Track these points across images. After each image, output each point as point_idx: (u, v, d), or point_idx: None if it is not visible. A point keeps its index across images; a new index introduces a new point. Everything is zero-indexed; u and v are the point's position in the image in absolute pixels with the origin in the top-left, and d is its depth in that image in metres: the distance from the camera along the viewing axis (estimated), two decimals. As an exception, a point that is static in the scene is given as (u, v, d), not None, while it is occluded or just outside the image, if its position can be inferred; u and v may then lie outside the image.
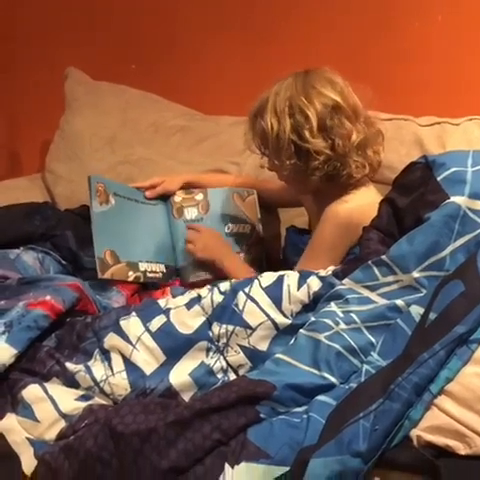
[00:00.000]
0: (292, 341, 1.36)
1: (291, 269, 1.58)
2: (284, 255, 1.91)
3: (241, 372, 1.37)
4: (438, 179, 1.38)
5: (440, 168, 1.40)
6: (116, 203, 1.78)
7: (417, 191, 1.42)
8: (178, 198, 1.86)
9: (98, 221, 1.72)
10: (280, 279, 1.44)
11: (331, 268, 1.47)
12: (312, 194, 1.75)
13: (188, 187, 1.90)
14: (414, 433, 1.09)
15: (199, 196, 1.88)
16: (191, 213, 1.85)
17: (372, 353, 1.27)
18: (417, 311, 1.25)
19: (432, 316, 1.18)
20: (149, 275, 1.75)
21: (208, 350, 1.39)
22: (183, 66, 2.36)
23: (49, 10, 2.46)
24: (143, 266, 1.75)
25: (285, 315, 1.40)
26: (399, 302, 1.30)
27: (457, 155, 1.44)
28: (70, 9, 2.44)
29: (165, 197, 1.88)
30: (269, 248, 1.95)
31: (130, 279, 1.71)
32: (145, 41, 2.40)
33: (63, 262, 1.80)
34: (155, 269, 1.78)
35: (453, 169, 1.38)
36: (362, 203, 1.62)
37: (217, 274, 1.73)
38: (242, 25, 2.28)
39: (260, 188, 1.97)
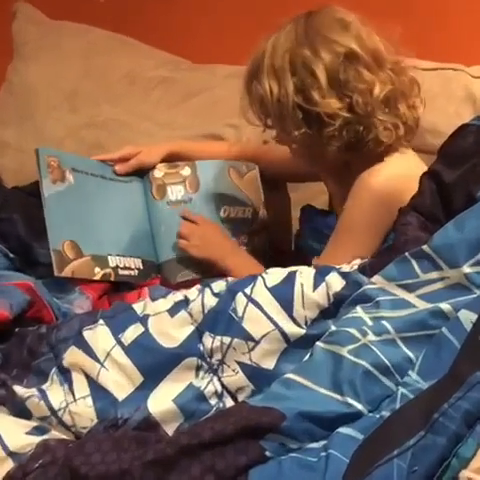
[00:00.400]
0: (307, 357, 1.36)
1: (308, 263, 1.59)
2: (298, 244, 1.92)
3: (241, 397, 1.37)
4: (496, 145, 1.40)
5: None
6: (76, 181, 1.79)
7: (469, 162, 1.43)
8: (159, 173, 1.87)
9: (52, 204, 1.72)
10: (291, 277, 1.44)
11: (357, 261, 1.47)
12: (333, 170, 1.77)
13: (171, 159, 1.91)
14: (464, 475, 1.09)
15: (186, 171, 1.88)
16: (176, 192, 1.86)
17: (410, 372, 1.26)
18: (468, 318, 1.24)
19: (488, 324, 1.18)
20: (121, 272, 1.76)
21: (198, 369, 1.39)
22: (167, 1, 2.36)
23: None
24: (113, 261, 1.76)
25: (297, 323, 1.40)
26: (445, 306, 1.30)
27: None
28: None
29: (142, 172, 1.88)
30: (276, 237, 1.96)
31: (97, 277, 1.72)
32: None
33: (10, 255, 1.80)
34: (129, 265, 1.78)
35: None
36: (400, 172, 1.62)
37: (215, 275, 1.72)
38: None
39: (265, 159, 1.99)
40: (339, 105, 1.60)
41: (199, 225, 1.81)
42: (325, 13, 1.65)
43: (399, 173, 1.63)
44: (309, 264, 1.65)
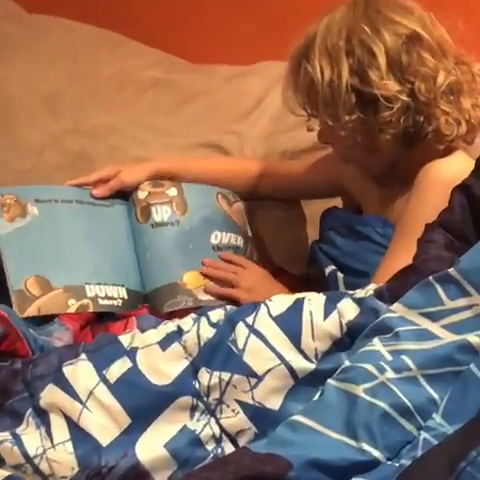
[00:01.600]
0: (317, 396, 1.34)
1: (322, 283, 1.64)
2: (312, 257, 1.91)
3: (242, 441, 1.37)
4: None
5: None
6: (41, 212, 1.82)
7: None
8: (142, 193, 1.89)
9: (8, 243, 1.76)
10: (298, 304, 1.44)
11: (372, 287, 1.47)
12: (378, 168, 1.78)
13: (160, 179, 1.92)
14: None
15: (172, 191, 1.90)
16: (162, 213, 1.87)
17: (434, 415, 1.25)
18: (500, 352, 1.24)
19: (521, 360, 1.17)
20: (102, 302, 1.77)
21: (193, 409, 1.38)
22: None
23: None
24: (92, 290, 1.77)
25: (307, 356, 1.40)
26: (473, 339, 1.29)
27: None
28: None
29: (126, 194, 1.90)
30: (288, 260, 1.96)
31: (71, 310, 1.73)
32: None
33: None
34: (111, 294, 1.79)
35: None
36: (468, 168, 1.58)
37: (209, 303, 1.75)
38: None
39: (275, 172, 2.00)
40: (399, 88, 1.62)
41: (248, 268, 1.83)
42: None
43: (465, 168, 1.59)
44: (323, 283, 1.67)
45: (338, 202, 1.95)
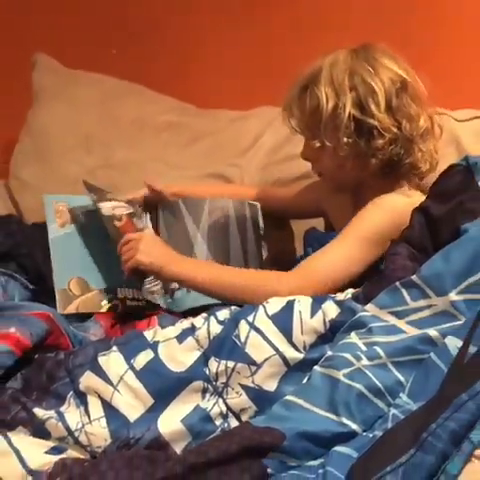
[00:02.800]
0: (305, 380, 1.35)
1: None
2: None
3: (244, 417, 1.37)
4: (480, 184, 1.40)
5: None
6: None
7: (455, 198, 1.43)
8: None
9: (57, 247, 1.76)
10: (290, 305, 1.44)
11: (350, 291, 1.48)
12: (354, 190, 1.76)
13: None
14: (452, 491, 1.09)
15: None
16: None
17: (401, 394, 1.26)
18: (454, 344, 1.24)
19: (472, 350, 1.17)
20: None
21: (204, 391, 1.39)
22: (174, 52, 2.38)
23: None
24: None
25: (297, 348, 1.40)
26: (432, 332, 1.30)
27: None
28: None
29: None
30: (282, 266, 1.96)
31: (104, 309, 1.73)
32: (127, 21, 2.42)
33: (30, 286, 1.80)
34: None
35: (499, 173, 1.40)
36: (414, 203, 1.58)
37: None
38: (242, 9, 2.30)
39: (269, 196, 2.00)
40: (391, 122, 1.62)
41: (140, 234, 1.75)
42: (378, 46, 1.69)
43: (413, 204, 1.59)
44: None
45: (321, 221, 1.96)
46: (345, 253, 1.63)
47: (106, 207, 1.82)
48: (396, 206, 1.65)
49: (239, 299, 1.59)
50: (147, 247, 1.69)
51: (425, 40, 2.11)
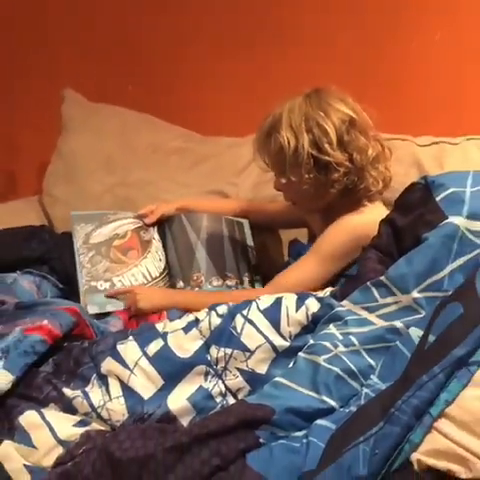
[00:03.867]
0: (291, 364, 1.36)
1: None
2: None
3: (240, 396, 1.37)
4: (437, 199, 1.39)
5: (439, 188, 1.40)
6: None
7: (416, 211, 1.43)
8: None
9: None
10: (278, 301, 1.44)
11: (329, 289, 1.48)
12: (323, 211, 1.74)
13: (183, 211, 1.92)
14: (414, 457, 1.08)
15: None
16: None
17: (372, 376, 1.27)
18: (416, 334, 1.24)
19: (431, 339, 1.17)
20: None
21: (206, 374, 1.39)
22: (181, 87, 2.37)
23: (47, 32, 2.48)
24: None
25: (284, 337, 1.40)
26: (398, 324, 1.31)
27: (457, 175, 1.44)
28: (67, 31, 2.46)
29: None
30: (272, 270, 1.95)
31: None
32: (142, 62, 2.42)
33: (60, 286, 1.80)
34: None
35: (452, 189, 1.38)
36: (376, 218, 1.58)
37: None
38: (241, 45, 2.29)
39: (261, 210, 1.99)
40: (344, 158, 1.61)
41: (133, 288, 1.75)
42: (330, 91, 1.67)
43: (371, 220, 1.59)
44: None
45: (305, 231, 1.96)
46: (310, 271, 1.63)
47: (102, 233, 1.84)
48: (353, 225, 1.65)
49: None
50: (145, 295, 1.69)
51: (397, 77, 2.12)
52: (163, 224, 1.89)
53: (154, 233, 1.88)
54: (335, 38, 2.18)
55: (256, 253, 1.93)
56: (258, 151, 1.71)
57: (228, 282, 1.77)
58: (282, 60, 2.24)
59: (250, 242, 1.93)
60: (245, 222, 1.96)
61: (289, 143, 1.61)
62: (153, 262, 1.82)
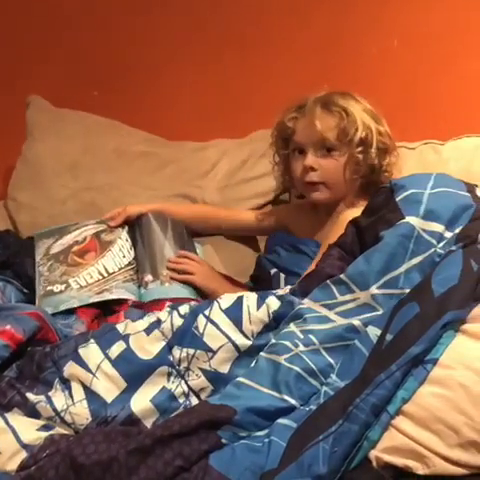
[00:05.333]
0: (253, 364, 1.34)
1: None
2: (262, 265, 1.85)
3: (203, 396, 1.35)
4: (396, 199, 1.41)
5: (400, 190, 1.42)
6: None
7: (380, 212, 1.44)
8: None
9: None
10: (239, 300, 1.43)
11: (288, 287, 1.47)
12: (327, 206, 1.76)
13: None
14: (373, 454, 1.09)
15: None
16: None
17: (331, 375, 1.26)
18: (374, 332, 1.24)
19: (389, 338, 1.18)
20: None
21: (169, 375, 1.37)
22: (145, 93, 2.36)
23: (10, 37, 2.44)
24: None
25: (246, 336, 1.39)
26: (356, 322, 1.30)
27: (418, 178, 1.46)
28: (32, 37, 2.42)
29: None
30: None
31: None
32: (107, 68, 2.40)
33: (24, 290, 1.76)
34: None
35: (411, 191, 1.40)
36: None
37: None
38: (205, 52, 2.29)
39: (237, 219, 1.97)
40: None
41: (199, 262, 1.77)
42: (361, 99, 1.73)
43: None
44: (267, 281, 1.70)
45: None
46: None
47: (62, 243, 1.83)
48: None
49: None
50: (203, 272, 1.75)
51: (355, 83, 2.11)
52: (133, 224, 1.87)
53: (121, 233, 1.86)
54: (293, 41, 2.18)
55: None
56: (308, 124, 1.69)
57: None
58: (249, 64, 2.23)
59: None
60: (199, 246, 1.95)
61: (364, 124, 1.66)
62: (113, 259, 1.79)
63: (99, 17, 2.38)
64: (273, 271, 1.77)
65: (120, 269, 1.78)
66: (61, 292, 1.72)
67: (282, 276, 1.75)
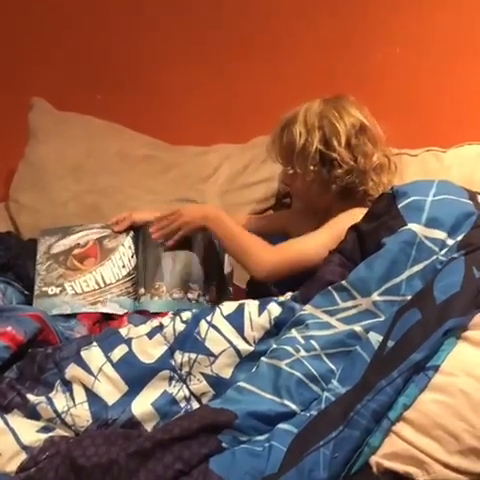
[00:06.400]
0: (254, 369, 1.34)
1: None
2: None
3: (204, 400, 1.35)
4: (398, 206, 1.40)
5: (402, 197, 1.42)
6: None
7: (381, 218, 1.44)
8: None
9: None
10: (241, 307, 1.43)
11: (289, 294, 1.47)
12: (322, 213, 1.75)
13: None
14: (373, 460, 1.09)
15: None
16: None
17: (332, 380, 1.26)
18: (376, 339, 1.24)
19: (390, 344, 1.18)
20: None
21: (171, 379, 1.37)
22: (148, 97, 2.36)
23: (12, 39, 2.44)
24: None
25: (248, 342, 1.39)
26: (357, 328, 1.30)
27: (420, 184, 1.46)
28: (33, 39, 2.42)
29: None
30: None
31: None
32: (110, 71, 2.40)
33: (25, 292, 1.77)
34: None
35: (413, 198, 1.40)
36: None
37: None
38: (208, 58, 2.29)
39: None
40: (349, 157, 1.64)
41: (181, 210, 1.74)
42: (347, 98, 1.71)
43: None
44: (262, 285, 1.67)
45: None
46: (317, 240, 1.64)
47: (64, 243, 1.82)
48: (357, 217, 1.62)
49: (237, 255, 1.66)
50: (188, 211, 1.72)
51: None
52: (138, 231, 1.85)
53: (124, 240, 1.84)
54: (300, 46, 2.19)
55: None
56: (272, 143, 1.74)
57: (189, 295, 1.73)
58: (252, 70, 2.24)
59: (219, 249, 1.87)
60: None
61: (300, 136, 1.65)
62: (112, 269, 1.78)
63: (102, 20, 2.38)
64: None
65: (117, 280, 1.77)
66: (55, 295, 1.73)
67: None
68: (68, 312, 1.69)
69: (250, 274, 1.67)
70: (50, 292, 1.73)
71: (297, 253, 1.63)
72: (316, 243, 1.62)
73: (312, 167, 1.65)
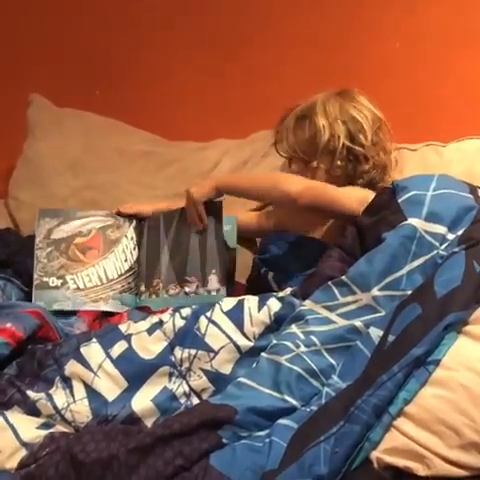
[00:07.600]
0: (254, 364, 1.34)
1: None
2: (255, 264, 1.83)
3: (204, 396, 1.35)
4: (399, 201, 1.41)
5: (402, 191, 1.42)
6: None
7: (381, 213, 1.44)
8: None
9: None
10: (241, 303, 1.44)
11: (289, 289, 1.47)
12: None
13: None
14: (374, 455, 1.09)
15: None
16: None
17: (332, 375, 1.26)
18: (376, 334, 1.24)
19: (391, 339, 1.18)
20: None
21: (170, 375, 1.37)
22: (146, 93, 2.36)
23: (11, 36, 2.44)
24: None
25: (248, 337, 1.39)
26: (358, 323, 1.30)
27: (421, 179, 1.47)
28: (32, 35, 2.42)
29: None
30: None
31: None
32: (109, 68, 2.39)
33: (25, 289, 1.76)
34: None
35: (413, 192, 1.40)
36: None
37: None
38: (206, 53, 2.28)
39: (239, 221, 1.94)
40: (375, 152, 1.67)
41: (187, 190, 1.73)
42: (357, 91, 1.72)
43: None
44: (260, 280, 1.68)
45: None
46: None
47: (65, 229, 1.79)
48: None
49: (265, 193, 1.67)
50: (196, 193, 1.69)
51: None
52: (142, 223, 1.83)
53: (128, 231, 1.83)
54: (299, 41, 2.18)
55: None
56: (285, 136, 1.72)
57: (186, 288, 1.72)
58: (251, 65, 2.23)
59: (232, 238, 1.82)
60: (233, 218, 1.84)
61: (324, 130, 1.65)
62: (114, 263, 1.77)
63: (100, 16, 2.37)
64: (263, 270, 1.76)
65: (120, 276, 1.76)
66: (57, 288, 1.72)
67: (270, 274, 1.73)
68: (69, 308, 1.68)
69: (289, 198, 1.60)
70: (51, 284, 1.72)
71: (324, 185, 1.62)
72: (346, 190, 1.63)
73: (339, 162, 1.66)
